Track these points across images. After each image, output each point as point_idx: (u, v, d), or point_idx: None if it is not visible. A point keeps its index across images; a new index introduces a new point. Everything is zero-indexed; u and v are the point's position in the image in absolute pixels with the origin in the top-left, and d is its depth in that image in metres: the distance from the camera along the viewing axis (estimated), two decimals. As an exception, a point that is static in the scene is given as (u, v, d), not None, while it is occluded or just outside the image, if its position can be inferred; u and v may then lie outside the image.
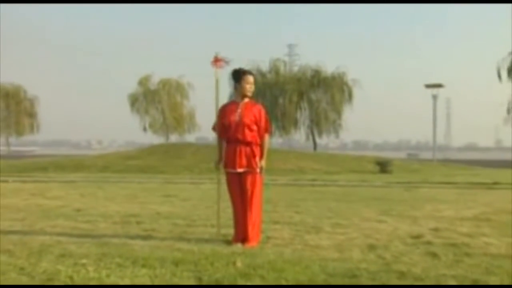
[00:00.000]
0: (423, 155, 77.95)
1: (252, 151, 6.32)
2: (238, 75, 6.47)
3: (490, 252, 5.81)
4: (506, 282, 4.48)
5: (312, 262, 5.21)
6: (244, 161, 6.29)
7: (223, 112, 6.47)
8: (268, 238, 6.70)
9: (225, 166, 6.43)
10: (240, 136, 6.31)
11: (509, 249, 6.01)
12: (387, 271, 4.91)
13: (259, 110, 6.48)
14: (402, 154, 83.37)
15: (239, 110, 6.36)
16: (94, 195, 13.40)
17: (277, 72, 57.49)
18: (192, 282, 4.39)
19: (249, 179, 6.28)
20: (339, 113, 56.59)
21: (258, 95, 57.50)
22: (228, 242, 6.26)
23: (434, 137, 47.56)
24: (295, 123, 57.86)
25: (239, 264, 4.98)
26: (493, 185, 19.04)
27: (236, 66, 6.68)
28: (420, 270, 4.94)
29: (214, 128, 6.66)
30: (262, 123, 6.43)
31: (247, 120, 6.32)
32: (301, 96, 56.68)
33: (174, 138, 62.65)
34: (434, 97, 46.18)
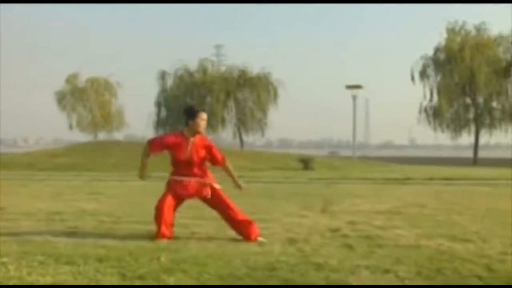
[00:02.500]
0: (343, 152, 79.58)
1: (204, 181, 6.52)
2: (193, 112, 6.47)
3: (401, 243, 6.02)
4: (413, 271, 4.65)
5: (234, 256, 5.23)
6: (197, 188, 6.47)
7: (172, 145, 6.42)
8: (192, 233, 6.70)
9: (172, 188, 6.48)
10: (189, 172, 6.42)
11: (417, 240, 6.25)
12: (306, 263, 5.00)
13: (209, 147, 6.54)
14: (324, 152, 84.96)
15: (188, 148, 6.37)
16: (17, 193, 12.96)
17: (204, 71, 57.51)
18: (115, 278, 4.33)
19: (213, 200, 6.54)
20: (264, 112, 57.28)
21: (186, 94, 57.42)
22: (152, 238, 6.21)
23: (354, 135, 48.65)
24: (222, 122, 58.04)
25: (163, 259, 4.96)
26: (406, 180, 19.73)
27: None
28: (336, 261, 5.06)
29: (151, 144, 6.56)
30: (218, 157, 6.58)
31: (196, 159, 6.41)
32: (228, 95, 56.93)
33: (102, 136, 61.52)
34: (354, 98, 47.27)
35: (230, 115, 58.51)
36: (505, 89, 52.26)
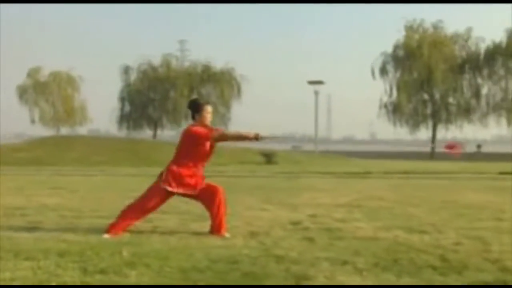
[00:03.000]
0: (306, 147, 79.94)
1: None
2: (198, 106, 6.33)
3: (359, 235, 6.08)
4: (371, 262, 4.71)
5: (197, 250, 5.23)
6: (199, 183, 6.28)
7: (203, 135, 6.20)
8: (155, 227, 6.65)
9: (166, 183, 6.22)
10: (205, 162, 6.36)
11: (375, 232, 6.33)
12: (267, 255, 5.02)
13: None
14: (287, 146, 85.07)
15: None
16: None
17: (168, 66, 57.23)
18: (76, 273, 4.27)
19: (208, 192, 6.31)
20: (228, 107, 57.28)
21: (150, 89, 57.03)
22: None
23: (316, 130, 48.95)
24: (186, 117, 57.79)
25: (125, 253, 4.92)
26: (366, 174, 19.96)
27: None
28: (296, 253, 5.09)
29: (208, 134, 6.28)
30: (207, 134, 6.23)
31: (208, 151, 6.31)
32: (192, 90, 56.77)
33: (65, 130, 60.61)
34: (316, 93, 47.51)
35: (194, 110, 58.24)
36: (461, 86, 53.29)
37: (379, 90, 55.15)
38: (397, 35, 53.47)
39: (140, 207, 6.30)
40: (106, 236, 5.91)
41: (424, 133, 56.48)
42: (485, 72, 52.26)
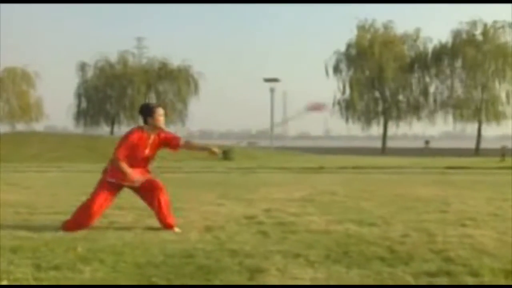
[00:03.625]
0: (262, 143, 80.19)
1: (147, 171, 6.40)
2: (150, 109, 6.29)
3: (312, 229, 6.12)
4: (322, 254, 4.76)
5: (152, 245, 5.20)
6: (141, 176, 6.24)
7: (136, 142, 6.16)
8: (111, 223, 6.57)
9: (112, 176, 6.18)
10: (137, 165, 6.22)
11: (327, 225, 6.39)
12: (221, 249, 5.02)
13: (164, 138, 6.37)
14: (244, 143, 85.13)
15: (148, 144, 6.21)
16: None
17: (125, 63, 56.68)
18: (30, 269, 4.19)
19: (148, 186, 6.26)
20: (185, 103, 57.11)
21: (107, 85, 56.32)
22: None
23: (271, 126, 49.24)
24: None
25: (79, 249, 4.85)
26: (319, 169, 20.14)
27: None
28: (250, 247, 5.11)
29: (119, 156, 6.17)
30: (171, 139, 6.41)
31: (151, 155, 6.32)
32: (149, 87, 56.43)
33: (20, 127, 59.20)
34: (272, 90, 47.77)
35: (151, 107, 57.89)
36: (410, 84, 54.28)
37: (333, 87, 55.69)
38: (350, 35, 54.07)
39: (88, 207, 6.17)
40: (60, 232, 5.82)
41: (375, 130, 57.33)
42: (433, 71, 53.36)
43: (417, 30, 54.12)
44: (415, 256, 4.70)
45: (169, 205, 6.36)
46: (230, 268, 4.33)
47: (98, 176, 6.45)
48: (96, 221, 6.28)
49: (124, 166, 6.08)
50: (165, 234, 5.80)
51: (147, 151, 6.24)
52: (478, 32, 51.35)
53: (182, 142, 6.46)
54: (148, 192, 6.29)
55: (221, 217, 7.15)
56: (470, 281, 3.91)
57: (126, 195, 9.73)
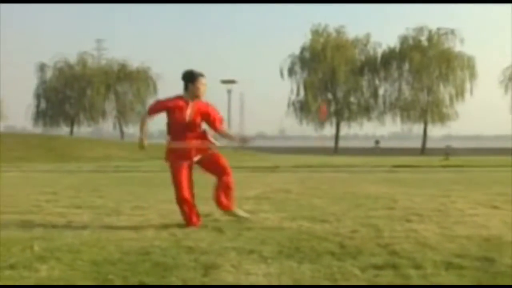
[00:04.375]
0: (220, 143, 79.96)
1: (202, 144, 6.28)
2: (192, 76, 6.16)
3: (266, 226, 6.14)
4: (275, 250, 4.78)
5: (109, 243, 5.13)
6: (196, 152, 6.21)
7: (173, 107, 6.11)
8: (69, 222, 6.47)
9: (175, 159, 6.19)
10: (186, 136, 6.14)
11: (281, 222, 6.41)
12: (177, 246, 4.99)
13: (208, 108, 6.32)
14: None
15: (188, 111, 6.10)
16: None
17: (84, 65, 55.84)
18: (-14, 268, 4.08)
19: (211, 160, 6.32)
20: (144, 104, 56.57)
21: (66, 86, 55.34)
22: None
23: (228, 126, 49.02)
24: (103, 114, 56.75)
25: (36, 248, 4.74)
26: (274, 168, 20.23)
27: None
28: (206, 244, 5.09)
29: (150, 106, 6.40)
30: (214, 118, 6.34)
31: (194, 122, 6.17)
32: (108, 88, 55.84)
33: (-21, 127, 57.65)
34: (229, 92, 47.66)
35: (111, 107, 57.25)
36: (361, 86, 55.08)
37: (288, 89, 56.04)
38: (304, 39, 54.50)
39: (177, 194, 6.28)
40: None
41: (328, 130, 57.94)
42: (382, 74, 54.34)
43: (367, 35, 55.02)
44: (363, 251, 4.77)
45: (232, 190, 6.50)
46: (186, 264, 4.31)
47: (56, 176, 6.38)
48: (54, 220, 6.16)
49: (143, 123, 6.29)
50: (122, 233, 5.72)
51: (187, 118, 6.10)
52: (423, 38, 52.55)
53: (224, 127, 6.47)
54: (212, 169, 6.39)
55: (178, 215, 7.03)
56: (413, 273, 3.98)
57: (84, 194, 9.64)
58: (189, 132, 6.17)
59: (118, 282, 3.86)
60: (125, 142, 45.58)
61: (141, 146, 6.32)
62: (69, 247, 4.86)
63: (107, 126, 59.67)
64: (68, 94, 56.05)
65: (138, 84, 55.42)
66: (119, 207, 7.90)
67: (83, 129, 60.97)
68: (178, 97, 6.18)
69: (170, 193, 9.77)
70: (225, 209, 6.40)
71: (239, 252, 4.75)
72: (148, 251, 4.75)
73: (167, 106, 6.14)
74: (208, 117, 6.31)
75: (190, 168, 6.26)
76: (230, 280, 3.88)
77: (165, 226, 6.14)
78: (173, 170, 6.24)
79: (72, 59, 56.18)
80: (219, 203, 6.36)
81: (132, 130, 63.21)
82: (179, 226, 6.15)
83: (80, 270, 4.12)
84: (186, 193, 6.20)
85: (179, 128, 6.15)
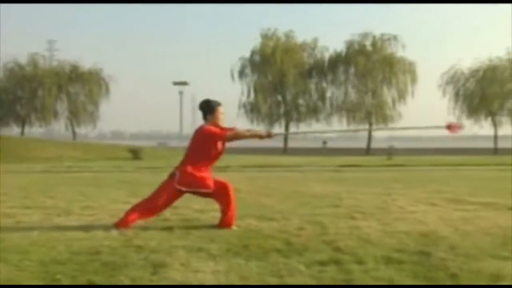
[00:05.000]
0: (173, 143, 79.40)
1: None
2: (212, 106, 6.00)
3: (215, 224, 6.10)
4: (224, 248, 4.77)
5: (58, 243, 5.01)
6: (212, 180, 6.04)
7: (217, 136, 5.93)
8: (18, 222, 6.29)
9: (182, 184, 5.97)
10: (212, 163, 6.07)
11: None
12: (127, 246, 4.92)
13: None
14: (154, 143, 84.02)
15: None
16: None
17: (35, 65, 54.34)
18: None
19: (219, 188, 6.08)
20: (96, 105, 55.75)
21: (17, 87, 53.75)
22: None
23: (180, 127, 48.91)
24: (55, 114, 55.50)
25: (-17, 249, 4.59)
26: (225, 168, 20.12)
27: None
28: (155, 243, 5.04)
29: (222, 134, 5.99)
30: (221, 134, 5.97)
31: (221, 150, 6.04)
32: (60, 89, 54.65)
33: None
34: (181, 93, 47.38)
35: (62, 108, 56.01)
36: (309, 89, 55.59)
37: (239, 91, 56.09)
38: (254, 42, 54.63)
39: (149, 204, 6.04)
40: (114, 230, 5.64)
41: (278, 131, 58.17)
42: (329, 77, 54.99)
43: (315, 40, 55.57)
44: (309, 247, 4.82)
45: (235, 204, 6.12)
46: (135, 263, 4.25)
47: (6, 177, 6.14)
48: (2, 221, 5.98)
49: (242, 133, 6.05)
50: (72, 233, 5.59)
51: (219, 147, 5.98)
52: (368, 43, 53.44)
53: (228, 134, 6.02)
54: (220, 192, 6.09)
55: (128, 214, 6.98)
56: (355, 268, 4.05)
57: (34, 195, 9.38)
58: (214, 162, 6.13)
59: (66, 282, 3.77)
60: (77, 142, 44.74)
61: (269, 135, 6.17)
62: (17, 247, 4.73)
63: (59, 127, 58.40)
64: (19, 95, 54.41)
65: (90, 85, 54.37)
66: (70, 207, 7.73)
67: (35, 130, 59.47)
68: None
69: (120, 193, 9.73)
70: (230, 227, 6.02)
71: (188, 250, 4.72)
72: (98, 251, 4.67)
73: (215, 139, 5.97)
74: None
75: (179, 197, 6.20)
76: (179, 278, 3.85)
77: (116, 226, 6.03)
78: (166, 189, 6.11)
79: (23, 60, 54.72)
80: (230, 225, 5.97)
81: (84, 130, 62.11)
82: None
83: (28, 270, 4.01)
84: (160, 210, 6.14)
85: (210, 158, 6.03)
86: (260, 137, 6.22)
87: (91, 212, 7.19)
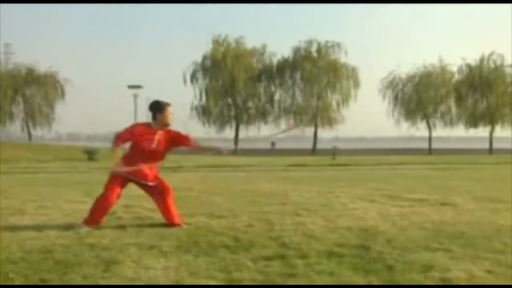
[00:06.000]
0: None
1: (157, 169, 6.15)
2: (161, 106, 5.94)
3: (167, 222, 6.05)
4: (174, 245, 4.73)
5: (11, 242, 4.87)
6: (153, 176, 6.04)
7: (140, 135, 5.88)
8: (-30, 223, 6.05)
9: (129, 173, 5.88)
10: (153, 160, 5.98)
11: (181, 218, 6.34)
12: (80, 244, 4.82)
13: (174, 136, 6.07)
14: (109, 144, 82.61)
15: (156, 139, 5.90)
16: None
17: (-9, 68, 52.46)
18: None
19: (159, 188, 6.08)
20: (52, 107, 54.39)
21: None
22: None
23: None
24: (11, 116, 53.81)
25: None
26: (178, 168, 20.08)
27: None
28: (108, 241, 4.96)
29: (117, 137, 6.02)
30: (182, 138, 6.09)
31: (161, 150, 5.99)
32: (16, 91, 52.91)
33: None
34: (135, 96, 46.59)
35: (18, 110, 54.34)
36: (258, 93, 55.70)
37: (191, 94, 55.72)
38: (206, 47, 54.40)
39: (102, 200, 5.86)
40: (85, 228, 5.57)
41: (229, 132, 58.14)
42: (277, 81, 55.21)
43: (264, 46, 55.74)
44: (256, 243, 4.83)
45: (174, 205, 6.09)
46: (87, 261, 4.16)
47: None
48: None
49: (114, 153, 6.01)
50: (25, 232, 5.43)
51: (153, 146, 5.90)
52: (313, 49, 54.01)
53: (193, 141, 6.17)
54: (156, 192, 6.07)
55: (83, 214, 6.75)
56: (299, 263, 4.09)
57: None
58: (151, 160, 6.01)
59: (19, 281, 3.66)
60: (34, 144, 43.42)
61: (115, 168, 5.98)
62: (-31, 248, 4.56)
63: (15, 129, 56.57)
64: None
65: (46, 88, 52.96)
66: (24, 207, 7.50)
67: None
68: (145, 124, 6.05)
69: (74, 193, 9.50)
70: (178, 226, 5.96)
71: (140, 248, 4.66)
72: (50, 250, 4.55)
73: (135, 134, 5.94)
74: (176, 140, 6.12)
75: (124, 184, 6.05)
76: (130, 275, 3.79)
77: (69, 225, 5.88)
78: (111, 177, 5.98)
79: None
80: (174, 224, 5.91)
81: (40, 132, 60.41)
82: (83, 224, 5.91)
83: (-20, 270, 3.86)
84: (113, 200, 5.94)
85: (142, 156, 5.92)
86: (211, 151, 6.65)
87: (45, 212, 7.00)
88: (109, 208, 5.95)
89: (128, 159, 5.96)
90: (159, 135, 5.97)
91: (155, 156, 6.02)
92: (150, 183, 6.03)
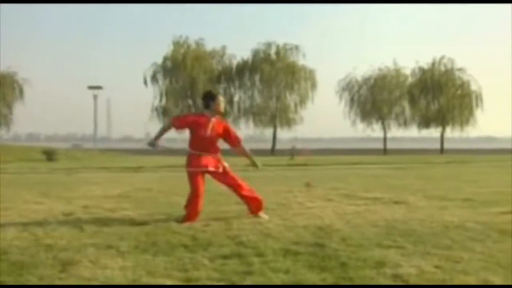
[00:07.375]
0: (87, 145, 76.80)
1: (218, 157, 6.41)
2: (213, 95, 6.35)
3: (126, 223, 5.98)
4: (132, 245, 4.67)
5: (-35, 244, 4.70)
6: (214, 163, 6.32)
7: (196, 123, 6.25)
8: None
9: (193, 166, 6.27)
10: (206, 148, 6.25)
11: (140, 219, 6.29)
12: (37, 245, 4.71)
13: (227, 129, 6.47)
14: (69, 145, 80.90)
15: (210, 125, 6.21)
16: None
17: None
18: None
19: (222, 175, 6.43)
20: (10, 108, 52.92)
21: None
22: None
23: (95, 130, 47.13)
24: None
25: None
26: (138, 168, 19.83)
27: None
28: (65, 242, 4.86)
29: (176, 120, 6.59)
30: (235, 139, 6.52)
31: (215, 136, 6.29)
32: (-26, 91, 51.13)
33: None
34: (95, 97, 45.76)
35: (-25, 111, 52.64)
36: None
37: (151, 95, 55.13)
38: (166, 49, 53.93)
39: (194, 197, 6.26)
40: (186, 223, 5.86)
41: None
42: (237, 83, 55.27)
43: (224, 48, 55.68)
44: (213, 242, 4.82)
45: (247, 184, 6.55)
46: (44, 262, 4.07)
47: None
48: None
49: (164, 131, 6.44)
50: (-20, 234, 5.27)
51: (208, 132, 6.20)
52: (272, 52, 54.27)
53: (241, 143, 6.61)
54: (225, 180, 6.47)
55: (40, 214, 6.69)
56: (256, 260, 4.09)
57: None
58: (208, 146, 6.28)
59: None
60: (-10, 144, 42.13)
61: (152, 144, 6.42)
62: None
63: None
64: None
65: (3, 88, 51.47)
66: (-19, 208, 7.26)
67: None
68: (200, 114, 6.39)
69: (32, 194, 9.27)
70: (253, 214, 6.43)
71: (97, 248, 4.58)
72: (6, 251, 4.44)
73: (191, 122, 6.30)
74: (228, 134, 6.46)
75: (203, 176, 6.40)
76: (87, 275, 3.73)
77: (26, 226, 5.74)
78: (191, 175, 6.31)
79: None
80: (251, 211, 6.46)
81: (-1, 132, 58.71)
82: (40, 225, 5.79)
83: None
84: (201, 194, 6.29)
85: (200, 142, 6.25)
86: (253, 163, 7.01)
87: (2, 213, 6.80)
88: (202, 202, 6.28)
89: (190, 147, 6.30)
90: (212, 122, 6.26)
91: (212, 142, 6.30)
92: (210, 168, 6.32)
